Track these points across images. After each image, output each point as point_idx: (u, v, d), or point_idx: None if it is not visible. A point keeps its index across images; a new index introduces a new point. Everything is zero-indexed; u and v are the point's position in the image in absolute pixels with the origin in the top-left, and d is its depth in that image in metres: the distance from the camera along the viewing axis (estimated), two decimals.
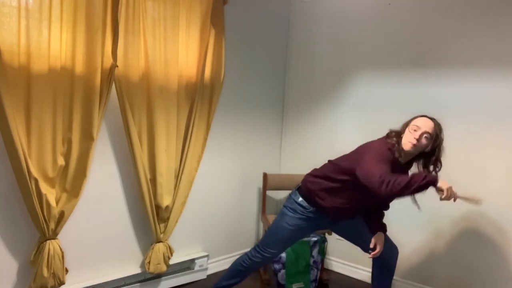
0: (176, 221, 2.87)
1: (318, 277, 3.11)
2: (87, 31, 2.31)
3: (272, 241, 2.48)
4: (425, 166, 2.31)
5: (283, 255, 3.01)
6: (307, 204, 2.37)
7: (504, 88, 2.65)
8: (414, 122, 2.25)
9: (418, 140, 2.20)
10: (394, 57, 3.10)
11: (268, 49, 3.55)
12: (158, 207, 2.76)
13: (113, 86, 2.46)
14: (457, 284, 2.86)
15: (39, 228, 2.26)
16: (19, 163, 2.12)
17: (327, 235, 3.13)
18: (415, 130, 2.22)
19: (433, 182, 2.07)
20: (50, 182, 2.28)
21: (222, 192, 3.31)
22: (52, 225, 2.29)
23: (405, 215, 3.07)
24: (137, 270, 2.81)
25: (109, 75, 2.40)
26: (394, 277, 3.12)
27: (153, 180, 2.72)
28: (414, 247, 3.03)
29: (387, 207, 2.54)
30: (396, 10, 3.08)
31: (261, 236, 3.60)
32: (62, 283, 2.38)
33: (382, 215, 2.53)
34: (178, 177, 2.83)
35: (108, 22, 2.39)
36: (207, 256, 3.18)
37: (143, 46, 2.58)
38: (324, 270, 3.27)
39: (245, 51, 3.32)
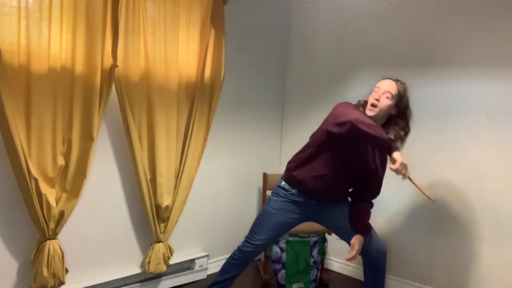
0: (176, 221, 2.87)
1: (318, 277, 3.11)
2: (87, 31, 2.31)
3: (258, 227, 2.47)
4: (399, 136, 2.25)
5: (283, 255, 3.01)
6: (288, 187, 2.40)
7: (504, 88, 2.65)
8: (376, 85, 2.25)
9: (378, 99, 2.18)
10: (394, 57, 3.10)
11: (268, 49, 3.55)
12: (158, 207, 2.76)
13: (113, 86, 2.46)
14: (457, 284, 2.86)
15: (39, 228, 2.26)
16: (19, 163, 2.12)
17: (327, 235, 3.13)
18: (376, 92, 2.22)
19: (390, 147, 2.01)
20: (50, 182, 2.28)
21: (222, 192, 3.31)
22: (52, 225, 2.29)
23: (405, 215, 3.08)
24: (137, 270, 2.81)
25: (109, 75, 2.40)
26: (394, 277, 3.14)
27: (153, 180, 2.72)
28: (414, 247, 3.03)
29: (370, 195, 2.40)
30: (396, 10, 3.08)
31: None
32: (62, 283, 2.38)
33: (366, 212, 2.41)
34: (178, 177, 2.83)
35: (108, 22, 2.39)
36: (207, 256, 3.19)
37: (143, 46, 2.58)
38: (324, 270, 3.27)
39: (245, 51, 3.32)
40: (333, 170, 2.29)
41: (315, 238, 3.07)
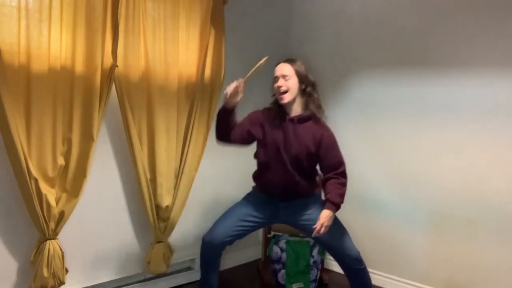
0: (176, 221, 2.87)
1: (318, 277, 3.11)
2: (87, 31, 2.31)
3: (223, 215, 2.49)
4: (319, 106, 2.38)
5: (283, 255, 3.01)
6: (257, 190, 2.57)
7: (505, 88, 2.65)
8: (274, 74, 2.37)
9: (280, 86, 2.30)
10: (394, 57, 3.10)
11: (268, 49, 3.52)
12: (158, 207, 2.76)
13: (113, 86, 2.46)
14: (457, 284, 2.86)
15: (39, 228, 2.26)
16: (19, 163, 2.13)
17: None
18: (276, 81, 2.34)
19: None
20: (50, 182, 2.28)
21: (222, 191, 3.31)
22: (52, 225, 2.29)
23: (405, 215, 3.08)
24: (137, 270, 2.81)
25: (109, 75, 2.40)
26: (394, 277, 3.14)
27: (153, 180, 2.72)
28: (414, 247, 3.03)
29: (329, 171, 2.38)
30: (396, 10, 3.08)
31: (260, 235, 3.60)
32: (62, 283, 2.38)
33: (331, 185, 2.35)
34: (178, 177, 2.83)
35: (108, 22, 2.39)
36: None
37: (143, 46, 2.58)
38: (324, 270, 3.27)
39: (245, 51, 3.32)
40: (272, 159, 2.39)
41: None
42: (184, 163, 2.84)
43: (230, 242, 2.47)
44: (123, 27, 2.45)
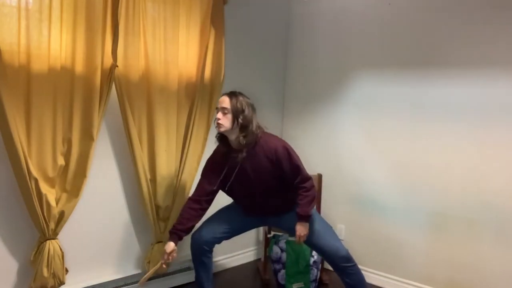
0: None
1: (318, 277, 3.11)
2: (87, 31, 2.31)
3: (213, 216, 2.64)
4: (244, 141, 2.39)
5: (283, 255, 3.01)
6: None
7: (505, 88, 2.65)
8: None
9: (220, 118, 2.36)
10: (394, 57, 3.10)
11: (268, 49, 3.55)
12: (158, 207, 2.76)
13: (113, 86, 2.46)
14: (457, 284, 2.86)
15: (39, 228, 2.26)
16: (19, 163, 2.13)
17: None
18: (217, 112, 2.40)
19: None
20: (50, 182, 2.28)
21: (221, 192, 3.30)
22: (52, 225, 2.29)
23: (405, 215, 3.07)
24: (137, 270, 2.81)
25: (109, 75, 2.40)
26: (395, 277, 3.14)
27: (153, 180, 2.72)
28: (414, 247, 3.03)
29: (296, 186, 2.45)
30: (396, 10, 3.08)
31: (261, 235, 3.61)
32: (62, 283, 2.38)
33: (302, 197, 2.44)
34: (178, 177, 2.83)
35: (108, 22, 2.39)
36: None
37: (143, 46, 2.58)
38: (324, 270, 3.27)
39: (245, 51, 3.32)
40: (243, 195, 2.55)
41: None
42: (184, 163, 2.84)
43: (218, 241, 2.61)
44: (123, 27, 2.45)
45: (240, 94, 2.42)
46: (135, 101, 2.57)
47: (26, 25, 2.10)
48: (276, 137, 2.53)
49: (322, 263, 3.21)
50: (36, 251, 2.29)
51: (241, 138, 2.37)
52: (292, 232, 2.51)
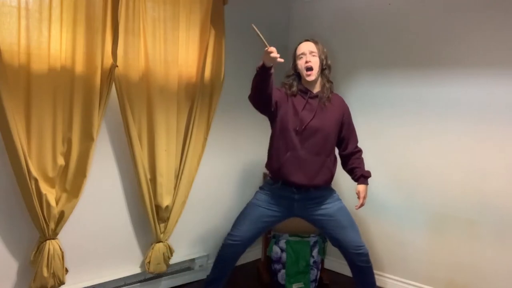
0: (176, 221, 2.87)
1: (318, 277, 3.11)
2: (87, 31, 2.31)
3: (240, 219, 2.53)
4: (330, 85, 2.46)
5: (283, 255, 3.01)
6: (271, 181, 2.51)
7: (505, 88, 2.65)
8: (297, 53, 2.45)
9: (310, 61, 2.37)
10: (394, 57, 3.10)
11: None
12: (158, 207, 2.76)
13: (113, 86, 2.46)
14: (457, 284, 2.86)
15: (39, 228, 2.26)
16: (19, 163, 2.13)
17: None
18: (303, 58, 2.40)
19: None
20: (50, 182, 2.28)
21: (222, 192, 3.31)
22: (52, 225, 2.29)
23: (405, 215, 3.08)
24: (137, 270, 2.81)
25: (109, 75, 2.40)
26: (395, 277, 3.14)
27: (153, 180, 2.72)
28: (414, 247, 3.03)
29: (348, 147, 2.54)
30: (396, 10, 3.08)
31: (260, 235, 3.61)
32: (62, 283, 2.38)
33: (357, 159, 2.56)
34: (178, 177, 2.83)
35: (108, 22, 2.39)
36: (207, 256, 3.18)
37: (143, 46, 2.58)
38: (324, 270, 3.27)
39: (245, 51, 3.32)
40: (297, 138, 2.39)
41: (315, 238, 3.07)
42: (184, 163, 2.84)
43: (250, 244, 2.56)
44: (123, 27, 2.45)
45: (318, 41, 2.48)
46: (135, 101, 2.57)
47: (26, 25, 2.10)
48: None
49: (322, 263, 3.21)
50: (36, 251, 2.29)
51: (326, 83, 2.43)
52: (320, 223, 2.46)
